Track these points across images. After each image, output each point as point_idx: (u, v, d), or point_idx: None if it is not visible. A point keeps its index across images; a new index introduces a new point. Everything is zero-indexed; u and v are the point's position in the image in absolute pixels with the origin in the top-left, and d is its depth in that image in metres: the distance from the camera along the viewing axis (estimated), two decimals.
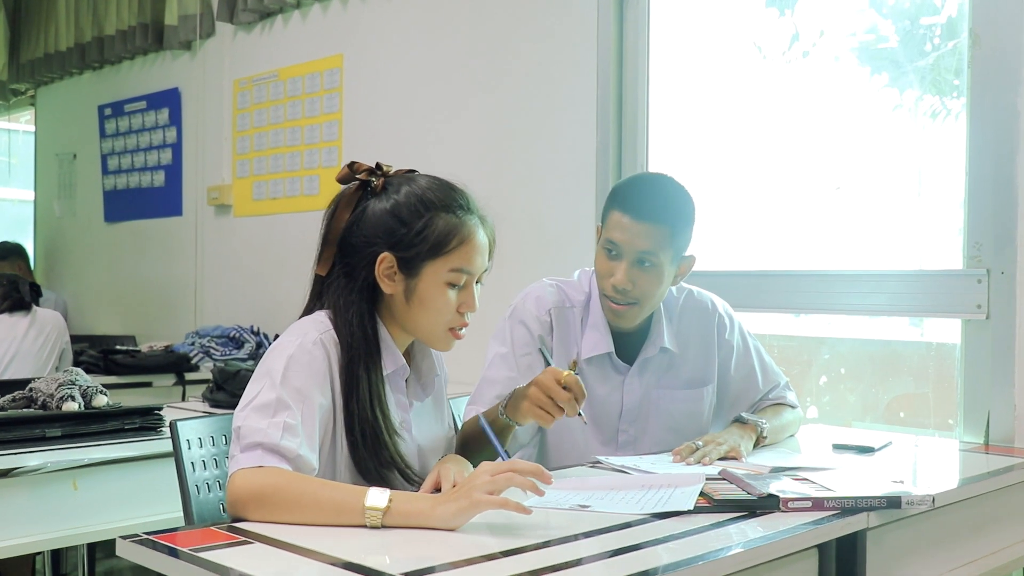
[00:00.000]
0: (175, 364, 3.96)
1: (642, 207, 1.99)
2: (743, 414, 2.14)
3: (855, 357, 2.94)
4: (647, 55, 3.16)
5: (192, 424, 1.94)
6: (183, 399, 3.89)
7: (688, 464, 1.92)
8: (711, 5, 3.15)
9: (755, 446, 2.08)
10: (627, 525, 1.47)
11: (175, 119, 5.14)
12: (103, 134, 5.68)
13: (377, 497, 1.39)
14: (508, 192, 3.52)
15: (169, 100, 5.16)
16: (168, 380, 4.11)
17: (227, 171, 4.78)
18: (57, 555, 3.30)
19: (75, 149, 5.99)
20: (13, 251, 5.65)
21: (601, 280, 2.08)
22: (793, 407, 2.29)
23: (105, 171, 5.67)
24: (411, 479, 1.62)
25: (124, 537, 1.34)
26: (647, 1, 3.16)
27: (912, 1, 2.77)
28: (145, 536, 1.34)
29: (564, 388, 1.72)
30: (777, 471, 1.83)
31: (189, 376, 4.04)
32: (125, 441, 2.26)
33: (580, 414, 1.73)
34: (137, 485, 2.24)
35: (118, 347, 4.01)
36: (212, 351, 4.15)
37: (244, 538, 1.36)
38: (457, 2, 3.72)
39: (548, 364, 1.82)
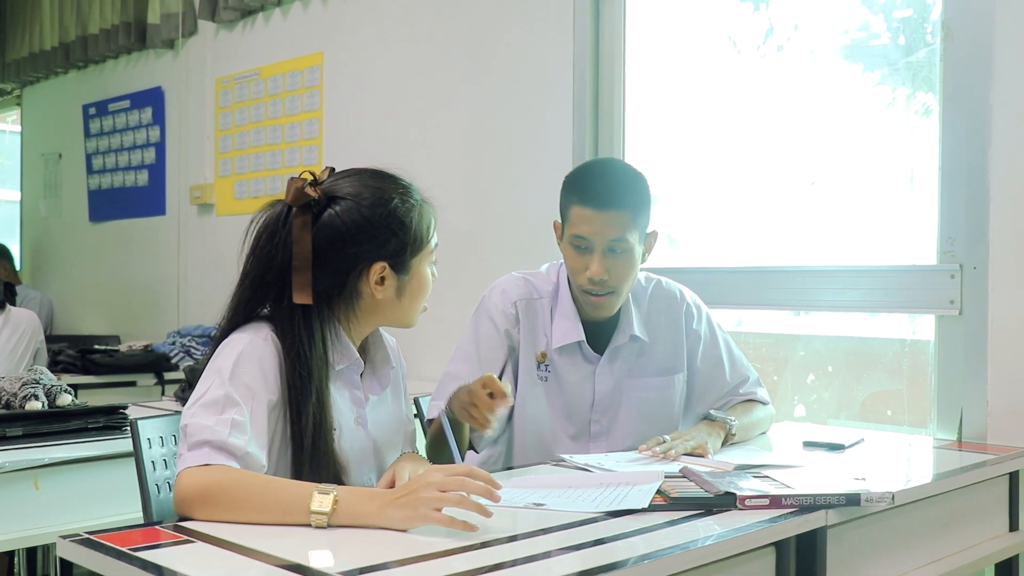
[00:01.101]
0: (154, 364, 3.95)
1: (602, 196, 1.99)
2: (712, 411, 2.12)
3: (832, 354, 2.91)
4: (623, 51, 3.15)
5: (153, 423, 1.92)
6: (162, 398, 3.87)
7: (655, 454, 1.90)
8: (686, 0, 3.13)
9: (724, 444, 2.06)
10: (580, 523, 1.45)
11: (158, 118, 5.12)
12: (88, 134, 5.66)
13: (321, 501, 1.37)
14: (487, 188, 3.51)
15: (152, 99, 5.15)
16: (150, 380, 4.11)
17: (209, 170, 4.76)
18: (33, 555, 3.28)
19: (61, 149, 5.97)
20: None
21: (576, 276, 2.06)
22: (764, 404, 2.27)
23: (90, 171, 5.65)
24: (342, 484, 1.59)
25: (64, 537, 1.32)
26: None
27: None
28: (86, 535, 1.32)
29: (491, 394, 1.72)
30: (742, 468, 1.81)
31: (169, 376, 4.03)
32: (88, 440, 2.24)
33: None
34: (100, 484, 2.22)
35: (96, 347, 3.99)
36: (193, 350, 4.14)
37: (187, 537, 1.33)
38: (435, 0, 3.71)
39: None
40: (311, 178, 1.63)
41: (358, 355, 1.68)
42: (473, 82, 3.56)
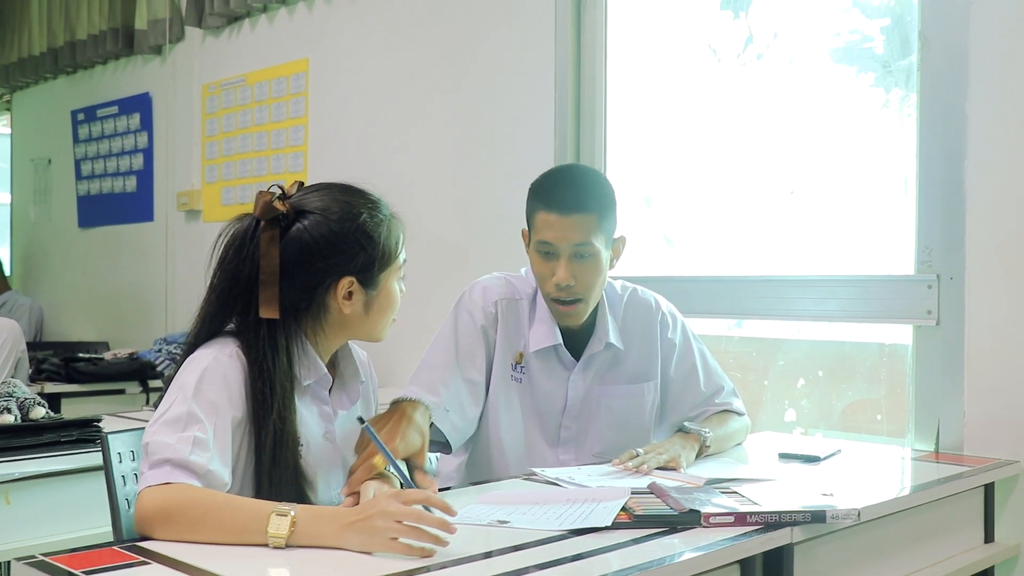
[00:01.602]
0: (139, 372, 3.94)
1: (566, 201, 1.98)
2: (686, 423, 2.11)
3: (824, 358, 2.89)
4: (604, 59, 3.14)
5: (123, 437, 1.91)
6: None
7: (627, 468, 1.89)
8: (667, 9, 3.13)
9: (698, 456, 2.05)
10: (543, 542, 1.44)
11: (146, 124, 5.11)
12: (76, 139, 5.65)
13: (278, 524, 1.35)
14: (470, 193, 3.51)
15: (140, 105, 5.14)
16: (137, 388, 4.10)
17: (196, 176, 4.75)
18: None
19: (50, 154, 5.96)
20: None
21: (543, 283, 2.06)
22: (740, 415, 2.26)
23: (79, 176, 5.64)
24: (308, 501, 1.58)
25: (19, 559, 1.31)
26: (604, 4, 3.14)
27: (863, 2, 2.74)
28: (40, 557, 1.31)
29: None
30: (711, 483, 1.80)
31: (154, 384, 4.02)
32: (61, 454, 2.22)
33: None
34: (72, 499, 2.20)
35: (80, 355, 3.98)
36: (178, 358, 4.12)
37: (144, 559, 1.32)
38: (419, 7, 3.70)
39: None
40: (279, 192, 1.62)
41: (326, 370, 1.67)
42: (456, 89, 3.56)
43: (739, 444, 2.26)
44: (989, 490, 2.18)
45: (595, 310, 2.12)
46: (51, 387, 3.77)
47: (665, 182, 3.16)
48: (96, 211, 5.52)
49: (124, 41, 5.05)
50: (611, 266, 2.09)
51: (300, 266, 1.59)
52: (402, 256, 1.69)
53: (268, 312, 1.58)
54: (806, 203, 2.81)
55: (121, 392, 4.16)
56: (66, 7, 5.47)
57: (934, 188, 2.39)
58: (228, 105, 4.55)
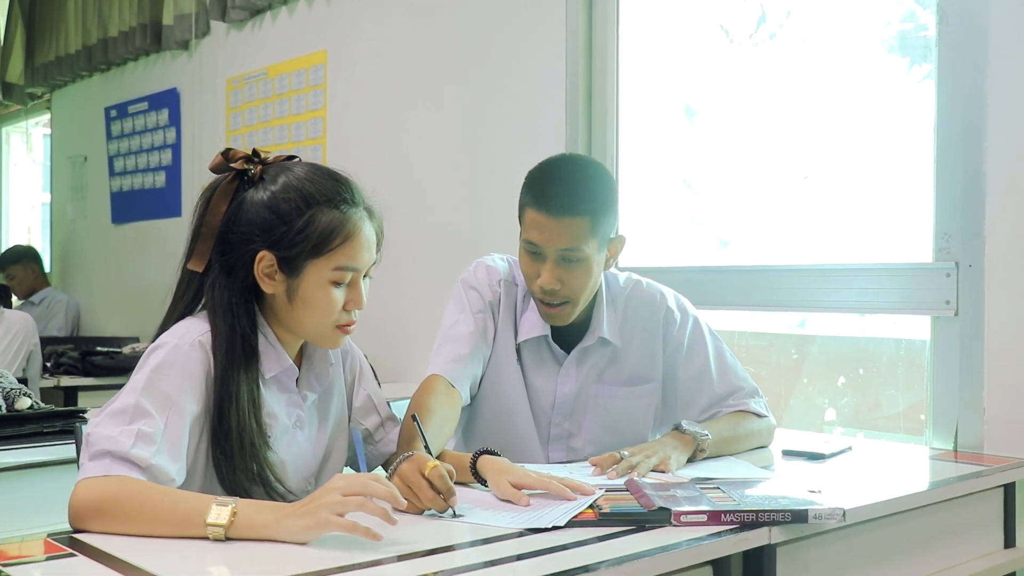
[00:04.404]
0: None
1: (557, 202, 1.84)
2: (683, 422, 1.94)
3: (837, 355, 2.76)
4: (616, 43, 3.05)
5: None
6: None
7: (609, 478, 1.74)
8: None
9: (692, 459, 1.89)
10: (498, 539, 1.36)
11: (175, 119, 5.12)
12: (109, 136, 5.69)
13: (218, 512, 1.30)
14: (483, 184, 3.43)
15: (168, 100, 5.15)
16: None
17: None
18: None
19: (86, 151, 6.02)
20: (25, 254, 5.69)
21: (529, 282, 1.95)
22: (759, 416, 2.08)
23: (112, 173, 5.68)
24: (276, 494, 1.52)
25: None
26: None
27: None
28: None
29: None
30: (697, 481, 1.70)
31: None
32: (43, 445, 2.19)
33: (453, 512, 1.47)
34: (53, 490, 2.15)
35: (99, 349, 3.98)
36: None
37: (72, 551, 1.27)
38: None
39: (425, 442, 1.60)
40: (254, 154, 1.57)
41: (291, 362, 1.60)
42: (471, 78, 3.49)
43: (762, 447, 2.08)
44: (1009, 491, 2.03)
45: (591, 301, 2.01)
46: (67, 380, 3.79)
47: (674, 167, 3.05)
48: (128, 207, 5.56)
49: (152, 36, 5.07)
50: (607, 266, 1.97)
51: (234, 225, 1.53)
52: (347, 259, 1.52)
53: (195, 264, 1.55)
54: (820, 189, 2.68)
55: None
56: (99, 4, 5.51)
57: (952, 171, 2.25)
58: (251, 99, 4.53)
